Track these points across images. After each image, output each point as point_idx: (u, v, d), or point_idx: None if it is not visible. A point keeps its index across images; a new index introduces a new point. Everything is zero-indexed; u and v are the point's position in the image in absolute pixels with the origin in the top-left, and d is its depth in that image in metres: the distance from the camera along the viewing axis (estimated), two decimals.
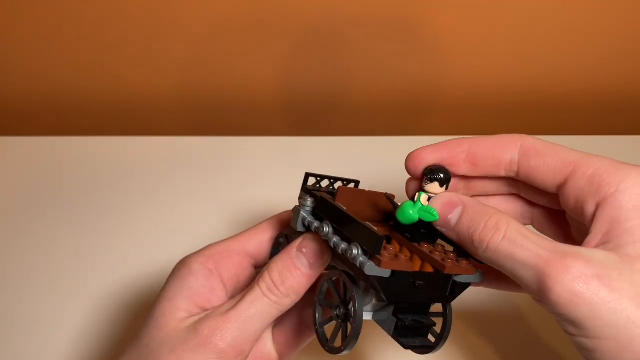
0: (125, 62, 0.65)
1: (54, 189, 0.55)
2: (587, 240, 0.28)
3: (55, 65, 0.65)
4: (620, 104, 0.70)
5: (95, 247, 0.50)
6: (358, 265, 0.27)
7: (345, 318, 0.29)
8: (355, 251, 0.28)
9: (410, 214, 0.30)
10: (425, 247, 0.30)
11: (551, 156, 0.30)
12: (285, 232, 0.34)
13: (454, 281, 0.30)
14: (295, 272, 0.31)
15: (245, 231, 0.36)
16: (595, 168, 0.29)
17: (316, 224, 0.31)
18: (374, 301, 0.30)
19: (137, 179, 0.56)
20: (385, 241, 0.27)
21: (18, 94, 0.67)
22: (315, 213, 0.32)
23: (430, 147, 0.32)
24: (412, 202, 0.30)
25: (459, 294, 0.30)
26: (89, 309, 0.46)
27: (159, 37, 0.63)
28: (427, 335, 0.30)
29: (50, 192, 0.55)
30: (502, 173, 0.31)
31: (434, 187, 0.31)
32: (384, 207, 0.33)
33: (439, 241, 0.32)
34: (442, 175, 0.31)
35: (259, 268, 0.35)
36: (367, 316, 0.30)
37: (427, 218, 0.30)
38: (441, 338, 0.30)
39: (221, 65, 0.66)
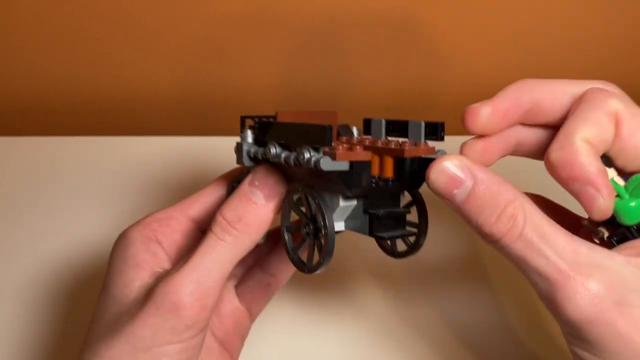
0: (125, 62, 0.65)
1: (53, 189, 0.55)
2: (625, 245, 0.25)
3: (55, 65, 0.65)
4: None
5: (96, 246, 0.50)
6: (313, 165, 0.25)
7: (316, 233, 0.27)
8: (307, 154, 0.26)
9: (632, 207, 0.24)
10: (381, 142, 0.29)
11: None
12: (237, 179, 0.32)
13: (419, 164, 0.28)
14: (252, 207, 0.29)
15: (188, 197, 0.34)
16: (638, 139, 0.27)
17: (261, 149, 0.29)
18: (340, 203, 0.28)
19: (137, 178, 0.56)
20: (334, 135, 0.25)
21: (17, 94, 0.67)
22: (259, 142, 0.30)
23: (489, 101, 0.28)
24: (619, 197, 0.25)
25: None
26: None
27: (159, 37, 0.63)
28: (404, 225, 0.28)
29: (49, 191, 0.55)
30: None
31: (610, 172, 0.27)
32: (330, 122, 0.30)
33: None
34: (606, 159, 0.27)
35: None
36: (339, 227, 0.28)
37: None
38: (422, 223, 0.28)
39: (221, 65, 0.66)
